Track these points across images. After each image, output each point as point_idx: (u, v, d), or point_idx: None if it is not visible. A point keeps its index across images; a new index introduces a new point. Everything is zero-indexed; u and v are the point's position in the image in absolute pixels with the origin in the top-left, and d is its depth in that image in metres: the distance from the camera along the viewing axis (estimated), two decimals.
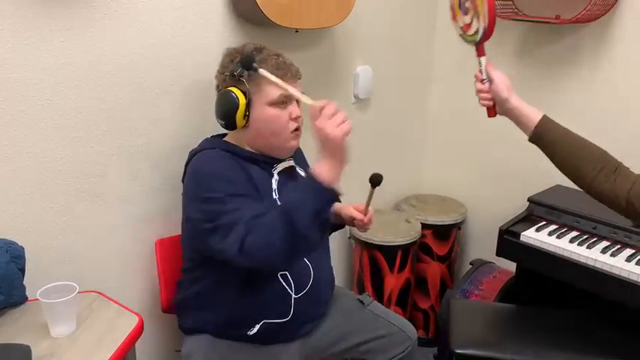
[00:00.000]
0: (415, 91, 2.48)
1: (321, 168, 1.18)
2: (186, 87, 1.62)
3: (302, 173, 1.54)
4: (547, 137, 1.24)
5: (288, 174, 1.48)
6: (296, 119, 1.41)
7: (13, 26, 1.26)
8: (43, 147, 1.36)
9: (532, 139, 1.27)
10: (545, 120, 1.26)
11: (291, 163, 1.51)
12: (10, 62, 1.27)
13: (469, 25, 1.28)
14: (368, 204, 1.48)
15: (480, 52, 1.28)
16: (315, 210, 1.16)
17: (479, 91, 1.31)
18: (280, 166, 1.46)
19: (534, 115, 1.26)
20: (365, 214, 1.50)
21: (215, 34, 1.65)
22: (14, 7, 1.25)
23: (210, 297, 1.41)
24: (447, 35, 2.42)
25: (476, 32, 1.26)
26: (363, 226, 1.53)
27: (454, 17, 1.33)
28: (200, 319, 1.43)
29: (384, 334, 1.53)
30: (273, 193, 1.41)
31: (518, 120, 1.28)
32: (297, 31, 1.73)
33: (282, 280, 1.40)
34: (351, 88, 2.16)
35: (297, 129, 1.42)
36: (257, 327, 1.39)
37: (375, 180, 1.38)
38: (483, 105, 1.31)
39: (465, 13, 1.28)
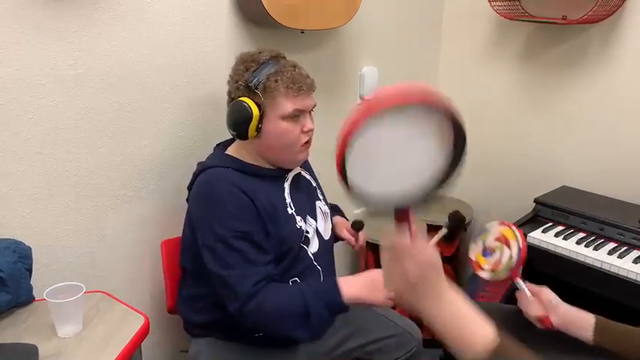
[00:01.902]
0: None
1: (351, 286, 1.28)
2: (192, 89, 1.62)
3: (307, 176, 1.55)
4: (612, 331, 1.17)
5: (301, 181, 1.50)
6: (308, 132, 1.39)
7: (22, 27, 1.27)
8: (50, 148, 1.37)
9: (596, 340, 1.18)
10: (600, 318, 1.19)
11: (298, 170, 1.52)
12: (18, 63, 1.28)
13: (499, 261, 1.23)
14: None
15: (515, 275, 1.22)
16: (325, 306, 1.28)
17: (528, 310, 1.23)
18: (289, 177, 1.47)
19: (587, 315, 1.19)
20: (356, 240, 1.59)
21: (221, 36, 1.66)
22: (23, 9, 1.26)
23: (213, 301, 1.39)
24: (452, 36, 2.42)
25: (510, 258, 1.22)
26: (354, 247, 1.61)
27: (478, 268, 1.27)
28: (205, 322, 1.43)
29: (389, 334, 1.53)
30: (289, 208, 1.41)
31: (573, 323, 1.20)
32: (302, 32, 1.73)
33: None
34: (357, 89, 2.16)
35: (307, 142, 1.41)
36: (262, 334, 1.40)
37: (357, 226, 1.55)
38: (540, 322, 1.23)
39: (491, 254, 1.25)
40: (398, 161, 0.75)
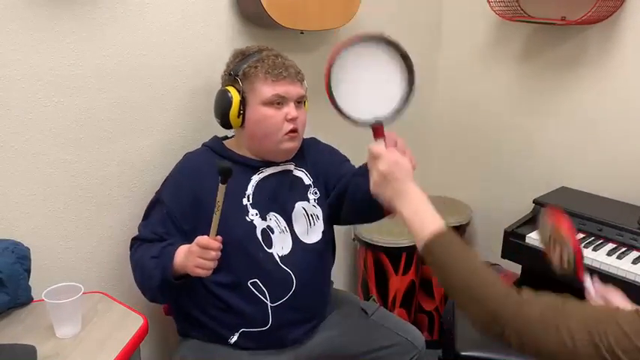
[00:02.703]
0: (420, 93, 2.46)
1: (179, 254, 1.28)
2: (192, 88, 1.62)
3: (300, 174, 1.48)
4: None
5: (283, 178, 1.44)
6: (292, 120, 1.36)
7: (21, 28, 1.27)
8: (49, 148, 1.37)
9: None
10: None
11: (288, 167, 1.46)
12: (17, 63, 1.28)
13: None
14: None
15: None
16: (160, 279, 1.29)
17: None
18: (268, 171, 1.43)
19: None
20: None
21: (221, 36, 1.65)
22: (22, 9, 1.26)
23: (189, 301, 1.38)
24: (452, 37, 2.42)
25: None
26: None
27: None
28: (187, 323, 1.42)
29: (386, 344, 1.48)
30: (245, 199, 1.38)
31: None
32: (302, 33, 1.73)
33: (252, 289, 1.36)
34: None
35: (293, 130, 1.37)
36: (236, 335, 1.37)
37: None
38: None
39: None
40: (370, 91, 1.09)
